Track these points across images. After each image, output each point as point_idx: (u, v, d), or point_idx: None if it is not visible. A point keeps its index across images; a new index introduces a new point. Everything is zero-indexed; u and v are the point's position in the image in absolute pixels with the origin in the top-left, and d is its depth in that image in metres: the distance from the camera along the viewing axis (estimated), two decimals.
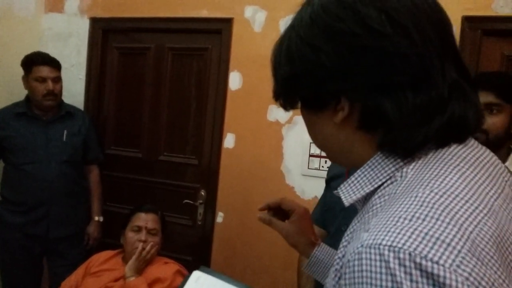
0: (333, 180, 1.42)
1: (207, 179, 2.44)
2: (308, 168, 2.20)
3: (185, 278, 1.03)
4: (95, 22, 2.61)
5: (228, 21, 2.31)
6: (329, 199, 1.39)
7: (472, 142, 0.58)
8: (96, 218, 2.48)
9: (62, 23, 2.68)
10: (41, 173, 2.23)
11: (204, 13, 2.36)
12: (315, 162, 2.19)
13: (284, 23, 2.21)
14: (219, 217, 2.41)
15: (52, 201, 2.25)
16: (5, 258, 2.32)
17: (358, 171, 0.59)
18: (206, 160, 2.45)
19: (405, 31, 0.52)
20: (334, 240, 1.28)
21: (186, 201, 2.47)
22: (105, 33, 2.62)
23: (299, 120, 2.20)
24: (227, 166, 2.38)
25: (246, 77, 2.30)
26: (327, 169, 2.14)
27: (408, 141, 0.53)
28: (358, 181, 0.59)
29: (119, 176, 2.66)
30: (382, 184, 0.56)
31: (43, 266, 2.44)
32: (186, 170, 2.52)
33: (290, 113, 2.21)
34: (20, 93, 2.35)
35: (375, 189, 0.57)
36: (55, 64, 2.30)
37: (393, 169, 0.55)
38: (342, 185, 0.62)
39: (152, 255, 1.87)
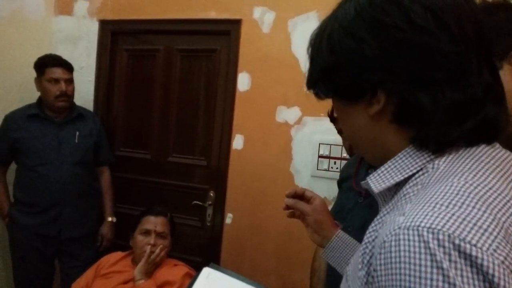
0: (344, 182, 1.42)
1: (216, 180, 2.44)
2: (318, 169, 2.19)
3: (196, 275, 1.04)
4: (104, 25, 2.62)
5: (236, 22, 2.31)
6: (339, 201, 1.39)
7: (497, 145, 0.59)
8: (109, 219, 2.50)
9: (72, 26, 2.70)
10: (53, 175, 2.24)
11: (213, 15, 2.36)
12: (325, 163, 2.18)
13: (292, 23, 2.20)
14: (228, 218, 2.40)
15: (64, 202, 2.27)
16: (18, 259, 2.34)
17: (388, 161, 0.60)
18: (215, 162, 2.44)
19: (448, 29, 0.54)
20: None
21: (195, 202, 2.48)
22: (114, 35, 2.63)
23: (308, 121, 2.19)
24: (236, 167, 2.37)
25: (255, 78, 2.30)
26: (336, 170, 2.15)
27: (441, 137, 0.55)
28: (388, 171, 0.60)
29: (129, 178, 2.67)
30: (413, 174, 0.57)
31: (54, 267, 2.46)
32: (195, 171, 2.53)
33: (299, 114, 2.20)
34: (31, 95, 2.37)
35: (405, 180, 0.58)
36: (68, 66, 2.33)
37: (424, 161, 0.57)
38: (371, 175, 0.62)
39: (161, 258, 1.87)
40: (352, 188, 1.29)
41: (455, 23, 0.54)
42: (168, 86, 2.55)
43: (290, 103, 2.21)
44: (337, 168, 2.14)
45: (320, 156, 2.18)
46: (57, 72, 2.27)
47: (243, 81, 2.32)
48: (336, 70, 0.61)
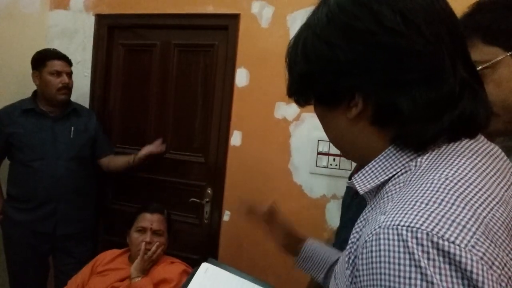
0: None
1: (213, 177, 2.42)
2: (316, 166, 2.17)
3: (194, 270, 1.04)
4: (100, 19, 2.59)
5: (234, 17, 2.28)
6: (344, 196, 1.41)
7: (482, 138, 0.60)
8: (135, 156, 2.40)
9: (68, 20, 2.66)
10: (48, 170, 2.22)
11: (210, 9, 2.33)
12: (323, 160, 2.16)
13: (291, 18, 2.18)
14: (226, 216, 2.38)
15: (59, 198, 2.25)
16: (12, 255, 2.33)
17: (372, 161, 0.61)
18: (213, 158, 2.42)
19: (419, 30, 0.54)
20: (338, 237, 1.28)
21: (192, 199, 2.45)
22: (110, 30, 2.60)
23: (307, 117, 2.17)
24: (234, 164, 2.35)
25: (253, 73, 2.27)
26: (335, 166, 2.13)
27: (421, 135, 0.56)
28: (372, 171, 0.61)
29: (125, 174, 2.64)
30: (397, 173, 0.58)
31: (49, 264, 2.44)
32: (192, 168, 2.50)
33: (298, 110, 2.18)
34: (25, 90, 2.34)
35: (389, 179, 0.59)
36: (68, 60, 2.34)
37: (407, 159, 0.58)
38: (356, 175, 0.63)
39: (158, 255, 1.85)
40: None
41: (425, 24, 0.55)
42: (165, 82, 2.52)
43: (289, 99, 2.18)
44: (336, 165, 2.12)
45: (319, 153, 2.16)
46: (60, 65, 2.26)
47: (241, 77, 2.29)
48: (313, 78, 0.62)
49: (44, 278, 2.43)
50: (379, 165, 0.60)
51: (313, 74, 0.62)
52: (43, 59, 2.26)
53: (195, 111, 2.47)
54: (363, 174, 0.62)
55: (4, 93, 2.44)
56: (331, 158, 2.14)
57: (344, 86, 0.59)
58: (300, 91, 0.67)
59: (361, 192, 0.62)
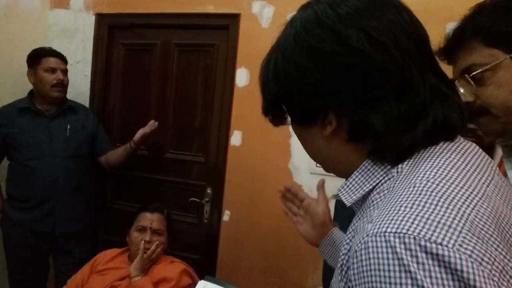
0: None
1: (213, 177, 2.42)
2: (317, 166, 2.17)
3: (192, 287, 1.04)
4: (100, 18, 2.59)
5: (235, 17, 2.28)
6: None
7: (458, 137, 0.61)
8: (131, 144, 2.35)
9: (68, 19, 2.66)
10: (45, 169, 2.22)
11: (211, 9, 2.33)
12: None
13: None
14: (226, 215, 2.38)
15: (57, 197, 2.24)
16: (11, 255, 2.32)
17: (355, 172, 0.62)
18: (213, 158, 2.42)
19: (384, 47, 0.55)
20: None
21: (192, 199, 2.45)
22: (111, 29, 2.60)
23: None
24: (233, 164, 2.35)
25: (254, 73, 2.27)
26: None
27: (396, 148, 0.56)
28: (356, 182, 0.62)
29: (125, 174, 2.64)
30: (380, 182, 0.59)
31: (49, 264, 2.43)
32: (192, 167, 2.50)
33: None
34: (25, 89, 2.33)
35: (373, 188, 0.59)
36: (63, 58, 2.33)
37: (388, 166, 0.58)
38: (340, 187, 0.64)
39: (157, 254, 1.85)
40: None
41: (390, 40, 0.55)
42: (165, 81, 2.52)
43: None
44: None
45: None
46: (54, 62, 2.26)
47: (242, 77, 2.29)
48: (284, 98, 0.64)
49: (44, 277, 2.43)
50: (362, 176, 0.61)
51: (285, 95, 0.63)
52: (38, 57, 2.26)
53: (195, 110, 2.47)
54: (348, 186, 0.63)
55: (4, 92, 2.44)
56: None
57: (316, 106, 0.60)
58: (274, 111, 0.68)
59: (348, 204, 0.63)
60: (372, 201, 0.58)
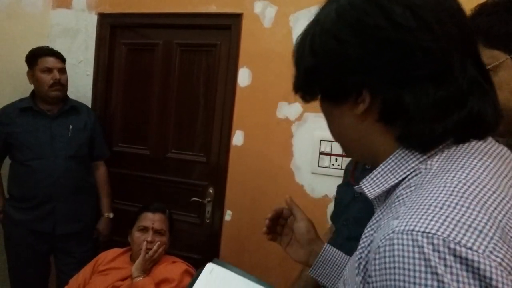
0: (344, 176, 1.41)
1: (215, 177, 2.41)
2: (318, 166, 2.17)
3: (199, 270, 1.03)
4: (103, 18, 2.59)
5: (237, 17, 2.28)
6: (337, 195, 1.40)
7: (490, 139, 0.59)
8: (106, 215, 2.47)
9: (70, 19, 2.66)
10: (47, 169, 2.21)
11: (213, 9, 2.33)
12: (325, 160, 2.15)
13: (294, 18, 2.17)
14: (228, 215, 2.38)
15: (58, 197, 2.24)
16: (13, 255, 2.32)
17: (380, 165, 0.60)
18: (215, 158, 2.42)
19: (428, 26, 0.54)
20: (337, 235, 1.27)
21: (194, 199, 2.45)
22: (113, 29, 2.60)
23: (309, 117, 2.16)
24: (235, 164, 2.35)
25: (256, 73, 2.27)
26: (337, 167, 2.13)
27: (426, 135, 0.55)
28: (381, 175, 0.60)
29: (127, 174, 2.64)
30: (406, 177, 0.57)
31: (50, 263, 2.43)
32: (194, 167, 2.50)
33: (300, 110, 2.17)
34: (27, 89, 2.34)
35: (399, 182, 0.58)
36: (60, 56, 2.32)
37: (416, 162, 0.57)
38: (364, 180, 0.62)
39: (159, 254, 1.85)
40: (350, 182, 1.28)
41: (435, 21, 0.54)
42: (168, 81, 2.52)
43: (291, 99, 2.18)
44: (338, 165, 2.12)
45: (321, 153, 2.16)
46: (50, 61, 2.25)
47: (244, 77, 2.29)
48: (320, 72, 0.62)
49: (45, 277, 2.43)
50: (388, 169, 0.59)
51: (320, 68, 0.61)
52: (34, 57, 2.26)
53: (197, 110, 2.47)
54: (372, 179, 0.61)
55: (6, 91, 2.44)
56: (333, 158, 2.14)
57: (351, 82, 0.59)
58: (306, 86, 0.66)
59: (371, 197, 0.61)
60: (398, 197, 0.56)
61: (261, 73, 2.25)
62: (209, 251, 2.42)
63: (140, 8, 2.49)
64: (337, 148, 2.11)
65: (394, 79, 0.55)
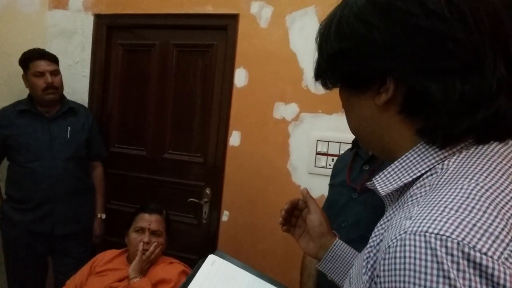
0: (336, 177, 1.41)
1: (212, 177, 2.41)
2: (315, 166, 2.17)
3: (200, 261, 1.03)
4: (99, 19, 2.59)
5: (234, 17, 2.28)
6: (330, 196, 1.38)
7: (510, 143, 0.57)
8: (99, 215, 2.47)
9: (67, 20, 2.66)
10: (45, 171, 2.21)
11: (209, 9, 2.33)
12: (322, 160, 2.15)
13: (290, 18, 2.17)
14: (225, 216, 2.38)
15: (56, 198, 2.24)
16: (10, 255, 2.32)
17: (396, 162, 0.58)
18: (211, 158, 2.42)
19: (462, 17, 0.51)
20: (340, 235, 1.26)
21: (191, 199, 2.45)
22: (109, 30, 2.60)
23: (306, 117, 2.17)
24: (232, 164, 2.35)
25: (252, 74, 2.27)
26: None
27: (449, 129, 0.53)
28: (395, 172, 0.58)
29: (123, 174, 2.64)
30: (421, 175, 0.55)
31: (48, 264, 2.43)
32: (191, 168, 2.50)
33: (297, 110, 2.18)
34: (24, 90, 2.33)
35: (413, 180, 0.56)
36: (51, 58, 2.29)
37: (433, 161, 0.55)
38: (377, 176, 0.61)
39: (156, 255, 1.85)
40: (345, 183, 1.27)
41: (470, 12, 0.51)
42: (164, 82, 2.52)
43: (288, 99, 2.19)
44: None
45: (317, 153, 2.16)
46: (41, 65, 2.23)
47: (240, 77, 2.29)
48: (344, 57, 0.59)
49: (43, 278, 2.43)
50: (403, 166, 0.58)
51: (346, 53, 0.59)
52: (26, 62, 2.24)
53: (194, 111, 2.47)
54: (385, 175, 0.60)
55: (3, 93, 2.44)
56: (329, 158, 2.14)
57: (376, 68, 0.57)
58: (330, 71, 0.64)
59: (383, 193, 0.60)
60: (411, 196, 0.54)
61: (258, 73, 2.25)
62: (206, 251, 2.40)
63: (137, 9, 2.49)
64: (333, 148, 2.12)
65: (421, 68, 0.53)
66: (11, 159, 2.29)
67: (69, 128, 2.32)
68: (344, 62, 0.60)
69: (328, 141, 2.11)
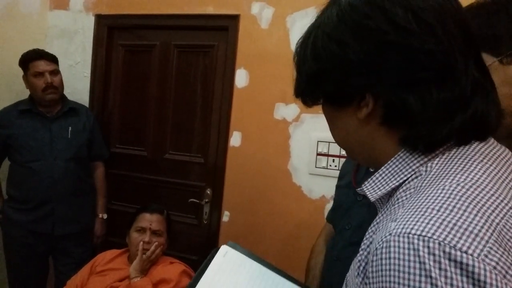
0: (343, 178, 1.40)
1: (213, 178, 2.42)
2: (316, 166, 2.17)
3: (213, 252, 1.03)
4: (100, 19, 2.59)
5: (234, 18, 2.28)
6: (337, 197, 1.38)
7: (492, 141, 0.59)
8: (100, 216, 2.48)
9: (67, 20, 2.66)
10: (46, 171, 2.21)
11: (210, 10, 2.34)
12: (323, 160, 2.16)
13: (291, 19, 2.18)
14: (225, 216, 2.38)
15: (57, 198, 2.24)
16: (11, 256, 2.32)
17: (382, 168, 0.61)
18: (212, 159, 2.42)
19: (431, 29, 0.54)
20: (338, 238, 1.26)
21: (191, 200, 2.45)
22: (110, 30, 2.60)
23: (306, 118, 2.17)
24: (233, 165, 2.35)
25: (253, 74, 2.27)
26: (335, 167, 2.13)
27: (430, 136, 0.55)
28: (383, 177, 0.60)
29: (124, 175, 2.64)
30: (407, 179, 0.58)
31: (48, 264, 2.43)
32: (191, 168, 2.50)
33: (297, 111, 2.18)
34: (25, 90, 2.33)
35: (400, 184, 0.58)
36: (50, 57, 2.29)
37: (417, 164, 0.57)
38: (366, 182, 0.63)
39: (157, 255, 1.85)
40: (351, 184, 1.27)
41: (438, 23, 0.54)
42: (165, 82, 2.53)
43: (289, 100, 2.19)
44: (335, 166, 2.12)
45: (318, 154, 2.16)
46: (40, 65, 2.23)
47: (241, 78, 2.30)
48: (322, 77, 0.62)
49: (44, 278, 2.43)
50: (389, 171, 0.60)
51: (323, 73, 0.61)
52: (25, 62, 2.24)
53: (195, 111, 2.47)
54: (373, 181, 0.62)
55: (4, 93, 2.44)
56: (330, 159, 2.14)
57: (354, 86, 0.59)
58: (309, 91, 0.66)
59: (372, 199, 0.62)
60: (397, 199, 0.56)
61: (258, 74, 2.26)
62: (207, 252, 2.41)
63: (138, 10, 2.49)
64: (334, 149, 2.12)
65: (397, 82, 0.55)
66: (12, 159, 2.29)
67: (70, 128, 2.32)
68: (322, 81, 0.62)
69: (329, 142, 2.12)
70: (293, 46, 2.18)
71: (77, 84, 2.63)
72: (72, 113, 2.36)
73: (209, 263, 0.98)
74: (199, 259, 2.43)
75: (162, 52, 2.52)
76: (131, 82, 2.62)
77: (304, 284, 1.02)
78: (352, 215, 1.21)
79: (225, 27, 2.32)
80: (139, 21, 2.52)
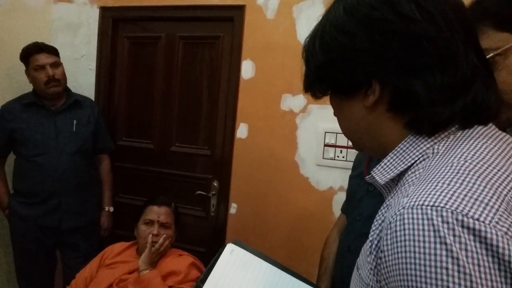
0: (353, 170, 1.40)
1: (219, 170, 2.41)
2: (323, 158, 2.16)
3: (220, 250, 1.04)
4: (105, 11, 2.57)
5: (240, 8, 2.26)
6: (349, 188, 1.39)
7: (493, 126, 0.63)
8: (107, 209, 2.48)
9: (72, 13, 2.65)
10: (51, 164, 2.21)
11: (216, 0, 2.31)
12: (330, 152, 2.14)
13: (297, 9, 2.15)
14: (233, 208, 2.38)
15: (63, 192, 2.25)
16: (19, 250, 2.33)
17: (390, 153, 0.64)
18: (219, 151, 2.41)
19: (432, 17, 0.58)
20: (350, 229, 1.26)
21: (198, 192, 2.45)
22: (115, 23, 2.58)
23: (314, 109, 2.15)
24: (240, 157, 2.34)
25: (259, 65, 2.26)
26: (342, 158, 2.12)
27: (434, 118, 0.59)
28: (391, 162, 0.63)
29: (131, 168, 2.65)
30: (415, 162, 0.60)
31: (56, 258, 2.45)
32: (198, 161, 2.50)
33: (304, 102, 2.16)
34: (29, 83, 2.33)
35: (408, 168, 0.61)
36: (50, 50, 2.27)
37: (424, 148, 0.60)
38: (375, 168, 0.65)
39: (165, 247, 1.86)
40: (363, 175, 1.26)
41: (438, 12, 0.58)
42: (171, 74, 2.51)
43: (295, 91, 2.17)
44: (343, 157, 2.11)
45: (325, 145, 2.15)
46: (41, 58, 2.22)
47: (247, 69, 2.28)
48: (331, 67, 0.65)
49: (51, 271, 2.44)
50: (397, 156, 0.62)
51: (331, 63, 0.65)
52: (26, 57, 2.23)
53: (201, 103, 2.46)
54: (382, 166, 0.65)
55: (9, 86, 2.44)
56: (338, 150, 2.13)
57: (361, 74, 0.62)
58: (318, 82, 0.69)
59: (382, 182, 0.64)
60: (407, 180, 0.59)
61: (265, 65, 2.24)
62: (214, 244, 2.42)
63: (142, 1, 2.47)
64: (341, 140, 2.10)
65: (402, 68, 0.59)
66: (17, 153, 2.29)
67: (74, 121, 2.31)
68: (331, 71, 0.66)
69: (336, 133, 2.10)
70: (299, 36, 2.17)
71: (82, 77, 2.63)
72: (77, 106, 2.35)
73: (217, 261, 0.99)
74: (207, 251, 2.44)
75: (168, 44, 2.51)
76: (137, 75, 2.61)
77: (308, 281, 1.03)
78: (363, 205, 1.22)
79: (230, 18, 2.30)
80: (144, 13, 2.50)
